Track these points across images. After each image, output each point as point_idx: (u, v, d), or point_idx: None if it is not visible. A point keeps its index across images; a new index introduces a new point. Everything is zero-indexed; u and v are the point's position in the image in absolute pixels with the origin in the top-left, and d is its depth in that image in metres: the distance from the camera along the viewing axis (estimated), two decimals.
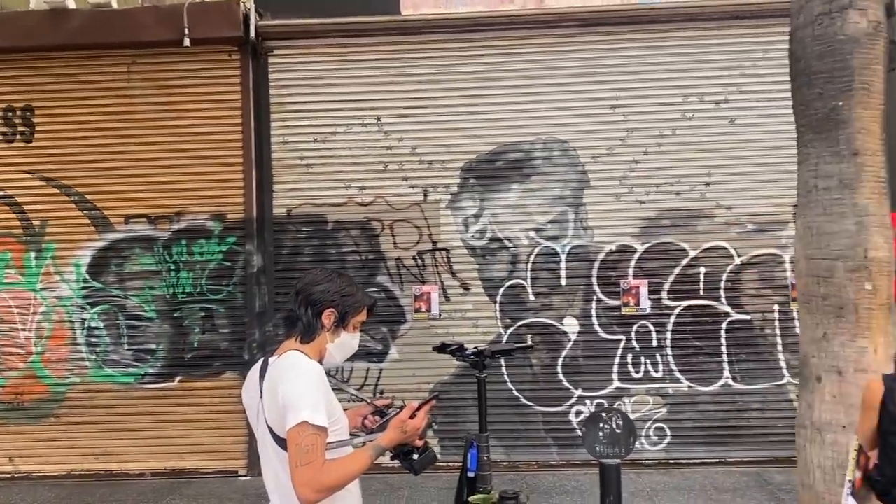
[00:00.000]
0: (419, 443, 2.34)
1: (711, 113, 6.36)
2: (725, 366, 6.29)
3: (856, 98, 2.86)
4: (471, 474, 3.44)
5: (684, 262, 6.37)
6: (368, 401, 2.55)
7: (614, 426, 3.35)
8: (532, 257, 6.41)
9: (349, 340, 2.40)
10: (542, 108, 6.40)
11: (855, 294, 2.80)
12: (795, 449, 3.15)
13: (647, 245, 6.37)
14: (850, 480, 2.37)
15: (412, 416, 2.29)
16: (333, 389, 2.35)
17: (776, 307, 6.25)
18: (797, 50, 3.02)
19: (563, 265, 6.40)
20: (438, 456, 6.16)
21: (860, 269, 2.81)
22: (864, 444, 2.45)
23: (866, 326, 2.74)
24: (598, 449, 3.39)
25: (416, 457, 2.35)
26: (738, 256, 6.31)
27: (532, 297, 6.39)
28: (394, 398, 5.64)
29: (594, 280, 6.40)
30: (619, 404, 6.31)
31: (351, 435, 2.41)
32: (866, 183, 2.85)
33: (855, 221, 2.84)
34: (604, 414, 3.42)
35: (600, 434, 3.35)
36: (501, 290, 6.40)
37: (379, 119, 6.42)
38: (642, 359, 6.34)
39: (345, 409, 2.43)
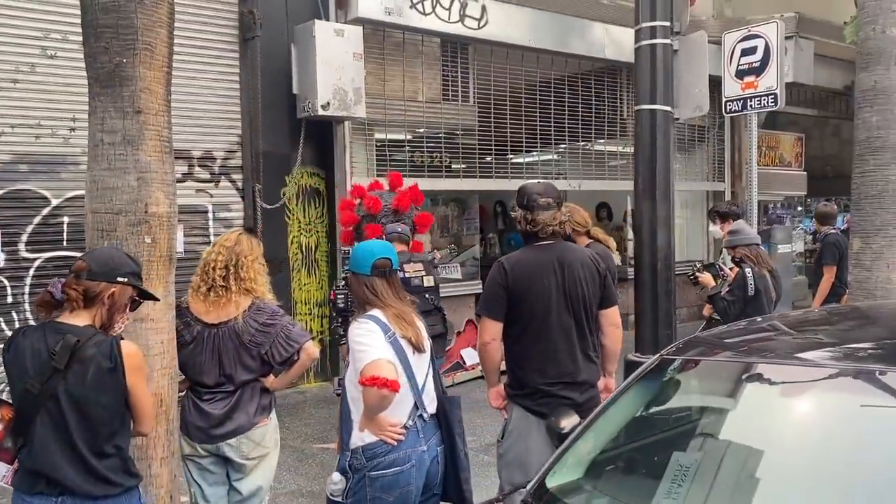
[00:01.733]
0: None
1: (76, 54, 5.99)
2: None
3: (139, 57, 2.98)
4: None
5: (45, 211, 5.95)
6: None
7: None
8: None
9: None
10: None
11: (136, 247, 2.96)
12: None
13: (0, 192, 5.75)
14: None
15: None
16: None
17: None
18: (85, 1, 2.99)
19: None
20: None
21: (141, 223, 2.97)
22: None
23: (146, 277, 2.90)
24: None
25: None
26: None
27: None
28: None
29: None
30: None
31: None
32: (149, 141, 3.01)
33: (137, 177, 2.98)
34: None
35: None
36: None
37: None
38: None
39: None
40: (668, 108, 4.55)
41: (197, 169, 6.65)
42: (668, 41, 4.55)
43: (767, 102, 5.96)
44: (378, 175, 7.71)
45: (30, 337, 2.36)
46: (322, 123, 7.13)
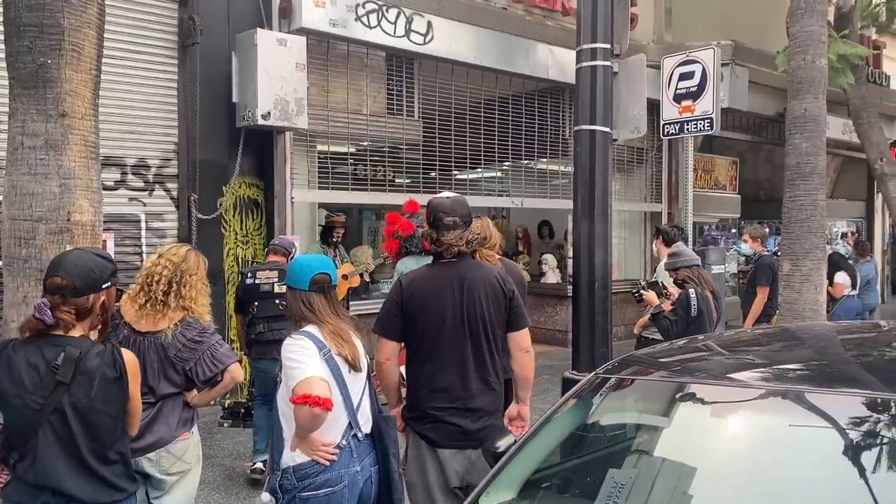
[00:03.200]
0: None
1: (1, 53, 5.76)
2: None
3: (66, 59, 2.86)
4: None
5: None
6: None
7: None
8: None
9: None
10: None
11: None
12: None
13: None
14: None
15: None
16: None
17: None
18: None
19: None
20: None
21: (63, 231, 2.85)
22: None
23: None
24: None
25: None
26: None
27: None
28: None
29: None
30: None
31: None
32: (74, 146, 2.89)
33: (60, 184, 2.85)
34: None
35: None
36: None
37: None
38: None
39: None
40: (607, 129, 4.61)
41: (130, 177, 6.44)
42: (607, 63, 4.61)
43: (703, 126, 6.13)
44: (320, 187, 7.65)
45: (21, 351, 2.29)
46: (262, 133, 7.00)
